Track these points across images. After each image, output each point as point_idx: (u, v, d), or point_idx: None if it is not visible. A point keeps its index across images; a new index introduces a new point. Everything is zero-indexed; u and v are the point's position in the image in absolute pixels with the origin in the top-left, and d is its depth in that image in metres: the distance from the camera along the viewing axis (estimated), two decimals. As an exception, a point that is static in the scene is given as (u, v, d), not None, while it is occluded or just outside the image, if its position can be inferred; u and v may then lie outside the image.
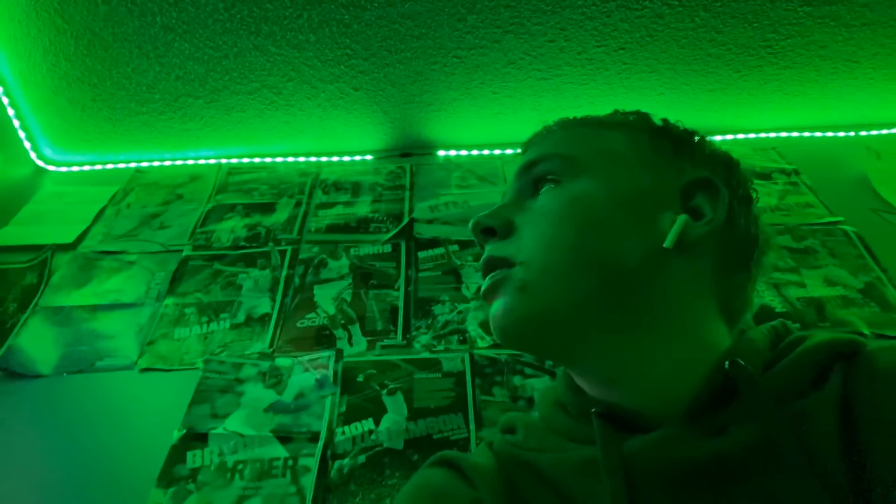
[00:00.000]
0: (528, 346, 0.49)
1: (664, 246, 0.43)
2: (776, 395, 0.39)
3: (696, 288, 0.45)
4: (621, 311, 0.43)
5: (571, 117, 0.54)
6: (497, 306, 0.46)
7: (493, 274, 0.47)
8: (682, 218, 0.44)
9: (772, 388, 0.39)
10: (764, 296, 1.09)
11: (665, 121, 0.52)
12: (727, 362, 0.40)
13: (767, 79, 1.43)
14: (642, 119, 0.52)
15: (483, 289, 0.48)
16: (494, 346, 1.03)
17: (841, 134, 1.52)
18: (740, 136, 1.52)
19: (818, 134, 1.52)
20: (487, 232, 0.50)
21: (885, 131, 1.51)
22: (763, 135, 1.53)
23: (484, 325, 1.07)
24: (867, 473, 0.35)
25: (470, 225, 0.51)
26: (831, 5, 1.30)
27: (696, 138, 0.51)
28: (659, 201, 0.46)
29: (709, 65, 1.40)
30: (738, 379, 0.39)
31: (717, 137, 1.51)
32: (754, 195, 0.50)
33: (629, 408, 0.43)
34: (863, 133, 1.51)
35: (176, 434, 0.90)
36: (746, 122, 1.52)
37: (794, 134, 1.52)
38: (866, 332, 1.01)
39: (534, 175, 0.50)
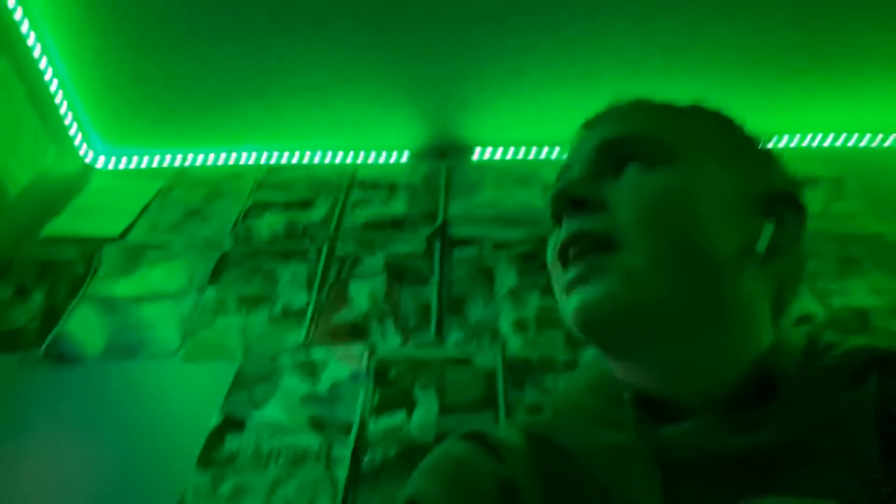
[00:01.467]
0: (612, 339, 0.44)
1: (757, 250, 0.43)
2: (813, 394, 0.38)
3: (764, 294, 0.45)
4: (703, 309, 0.42)
5: (652, 100, 0.51)
6: (592, 291, 0.41)
7: (588, 258, 0.43)
8: (771, 225, 0.44)
9: (809, 386, 0.39)
10: (806, 303, 1.07)
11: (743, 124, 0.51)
12: (767, 359, 0.40)
13: (815, 83, 1.40)
14: (727, 117, 0.50)
15: (575, 273, 0.43)
16: (526, 345, 1.03)
17: (888, 143, 1.47)
18: (785, 140, 1.49)
19: (865, 141, 1.48)
20: (576, 203, 0.44)
21: (936, 140, 1.46)
22: (809, 140, 1.49)
23: (516, 325, 1.07)
24: None
25: (553, 194, 0.46)
26: (885, 7, 1.26)
27: (773, 148, 0.51)
28: (750, 204, 0.45)
29: (753, 68, 1.37)
30: (776, 376, 0.39)
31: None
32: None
33: (664, 396, 0.42)
34: (913, 142, 1.47)
35: (215, 420, 0.93)
36: (792, 127, 1.48)
37: (842, 140, 1.48)
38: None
39: (620, 154, 0.46)
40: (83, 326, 1.13)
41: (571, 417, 0.46)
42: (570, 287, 0.43)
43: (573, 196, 0.44)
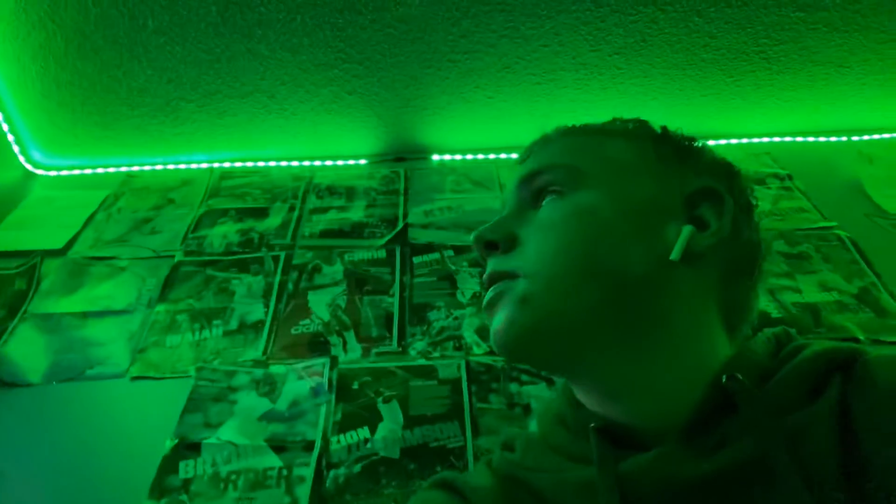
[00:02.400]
0: (530, 359, 0.47)
1: (671, 258, 0.43)
2: (773, 408, 0.38)
3: (701, 299, 0.45)
4: (626, 324, 0.42)
5: (570, 125, 0.53)
6: (498, 319, 0.45)
7: (495, 286, 0.46)
8: (687, 229, 0.44)
9: (769, 401, 0.39)
10: (759, 301, 1.09)
11: (664, 128, 0.51)
12: (724, 376, 0.40)
13: (761, 84, 1.44)
14: (643, 126, 0.51)
15: (485, 302, 0.47)
16: (490, 352, 1.02)
17: (833, 139, 1.52)
18: (734, 140, 1.52)
19: (811, 139, 1.53)
20: (490, 246, 0.48)
21: (876, 136, 1.52)
22: (756, 140, 1.53)
23: (480, 332, 1.06)
24: (866, 488, 0.35)
25: (472, 239, 0.49)
26: (824, 11, 1.31)
27: (697, 146, 0.51)
28: (664, 211, 0.45)
29: (703, 70, 1.40)
30: (735, 393, 0.39)
31: (711, 142, 1.51)
32: (754, 202, 0.50)
33: (628, 423, 0.42)
34: (855, 138, 1.52)
35: (168, 444, 0.89)
36: (740, 127, 1.52)
37: (788, 139, 1.53)
38: (861, 337, 1.02)
39: (535, 186, 0.49)
40: (24, 348, 1.07)
41: (540, 454, 0.46)
42: (479, 310, 0.46)
43: (486, 241, 0.48)
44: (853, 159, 1.45)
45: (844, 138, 1.52)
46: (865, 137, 1.52)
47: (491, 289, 0.46)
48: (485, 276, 0.48)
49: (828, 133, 1.52)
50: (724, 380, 0.39)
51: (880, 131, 1.52)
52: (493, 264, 0.47)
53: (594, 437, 0.41)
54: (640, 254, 0.43)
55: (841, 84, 1.44)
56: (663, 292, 0.43)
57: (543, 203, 0.48)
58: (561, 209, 0.46)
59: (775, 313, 1.07)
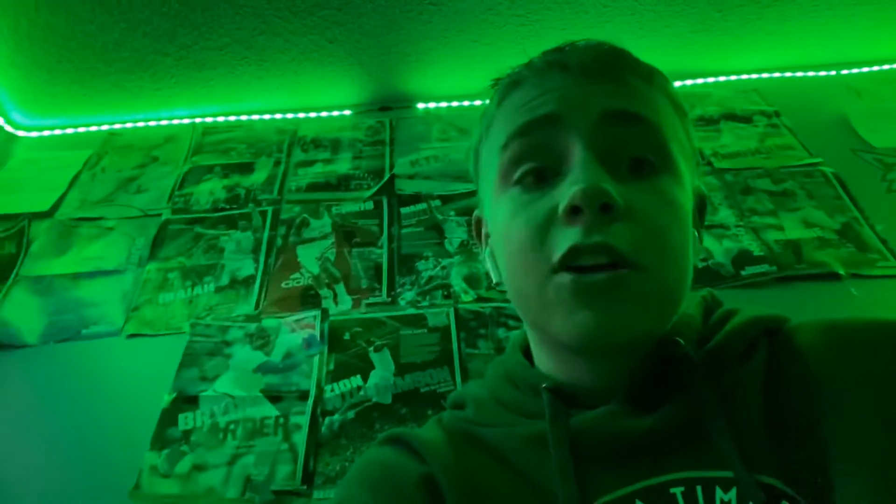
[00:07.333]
0: (608, 356, 0.43)
1: (694, 265, 0.45)
2: (709, 370, 0.41)
3: None
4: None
5: (649, 66, 0.46)
6: (610, 312, 0.39)
7: (609, 273, 0.39)
8: (695, 236, 0.46)
9: (705, 363, 0.42)
10: (742, 240, 1.11)
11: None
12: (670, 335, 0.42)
13: (749, 18, 1.40)
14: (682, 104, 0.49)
15: (594, 281, 0.39)
16: (478, 299, 1.04)
17: (822, 73, 1.50)
18: (722, 78, 1.50)
19: (799, 74, 1.51)
20: (605, 208, 0.40)
21: (865, 69, 1.50)
22: (745, 76, 1.51)
23: (468, 280, 1.08)
24: (789, 442, 0.38)
25: (583, 191, 0.39)
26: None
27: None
28: (692, 215, 0.46)
29: (691, 5, 1.37)
30: (676, 356, 0.42)
31: (700, 80, 1.50)
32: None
33: (575, 384, 0.44)
34: (844, 71, 1.50)
35: (166, 398, 0.92)
36: (728, 64, 1.50)
37: (776, 74, 1.51)
38: (842, 271, 1.03)
39: (632, 153, 0.42)
40: (19, 310, 1.09)
41: (491, 410, 0.48)
42: (580, 297, 0.39)
43: (607, 202, 0.39)
44: (841, 93, 1.44)
45: (833, 72, 1.50)
46: (854, 70, 1.50)
47: (605, 273, 0.39)
48: (588, 239, 0.39)
49: (816, 67, 1.50)
50: (669, 339, 0.42)
51: (869, 63, 1.50)
52: (605, 237, 0.39)
53: (546, 396, 0.44)
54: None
55: (829, 16, 1.41)
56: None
57: (642, 178, 0.42)
58: (663, 197, 0.42)
59: (758, 251, 1.08)
